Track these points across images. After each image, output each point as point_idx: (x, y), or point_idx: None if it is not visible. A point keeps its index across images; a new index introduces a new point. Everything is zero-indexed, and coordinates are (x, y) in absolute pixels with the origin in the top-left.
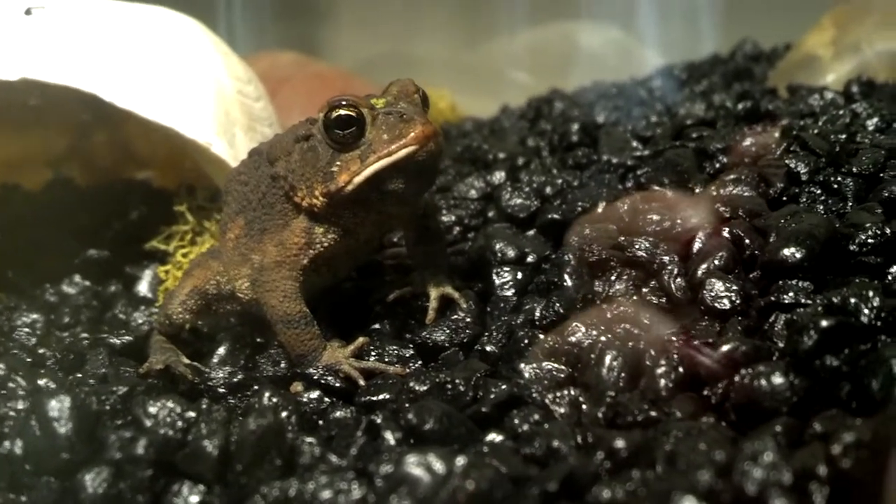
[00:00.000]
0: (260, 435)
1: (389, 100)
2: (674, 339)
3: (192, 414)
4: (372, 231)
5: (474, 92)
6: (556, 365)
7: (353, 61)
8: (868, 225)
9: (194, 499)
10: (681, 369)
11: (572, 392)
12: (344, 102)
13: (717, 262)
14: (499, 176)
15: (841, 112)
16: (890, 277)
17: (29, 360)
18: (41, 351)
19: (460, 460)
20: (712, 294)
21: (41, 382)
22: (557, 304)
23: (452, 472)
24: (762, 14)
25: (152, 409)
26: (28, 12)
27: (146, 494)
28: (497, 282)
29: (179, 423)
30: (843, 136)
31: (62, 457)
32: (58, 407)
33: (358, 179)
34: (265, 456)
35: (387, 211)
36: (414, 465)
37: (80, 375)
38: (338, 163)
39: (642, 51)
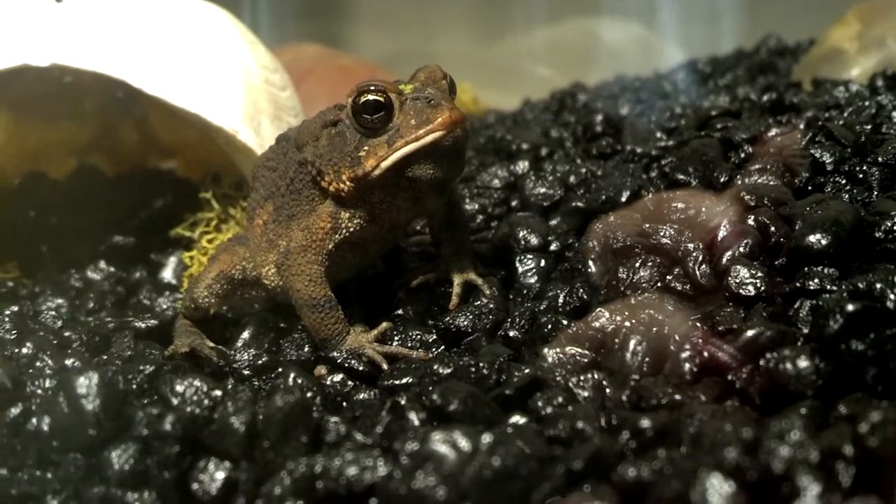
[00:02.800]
0: (287, 412)
1: (417, 86)
2: (697, 326)
3: (218, 392)
4: (398, 217)
5: (495, 87)
6: (579, 349)
7: (373, 57)
8: (894, 213)
9: (220, 475)
10: (705, 354)
11: (596, 376)
12: (372, 87)
13: (742, 248)
14: (522, 165)
15: (866, 104)
16: None
17: (55, 342)
18: (67, 334)
19: (486, 438)
20: (737, 280)
21: (68, 362)
22: (581, 291)
23: (478, 450)
24: (784, 10)
25: (179, 388)
26: (58, 0)
27: (172, 471)
28: (520, 269)
29: (206, 402)
30: (869, 127)
31: (89, 433)
32: (86, 384)
33: (385, 164)
34: (292, 433)
35: (413, 196)
36: (440, 443)
37: (105, 357)
38: (365, 148)
39: (663, 47)
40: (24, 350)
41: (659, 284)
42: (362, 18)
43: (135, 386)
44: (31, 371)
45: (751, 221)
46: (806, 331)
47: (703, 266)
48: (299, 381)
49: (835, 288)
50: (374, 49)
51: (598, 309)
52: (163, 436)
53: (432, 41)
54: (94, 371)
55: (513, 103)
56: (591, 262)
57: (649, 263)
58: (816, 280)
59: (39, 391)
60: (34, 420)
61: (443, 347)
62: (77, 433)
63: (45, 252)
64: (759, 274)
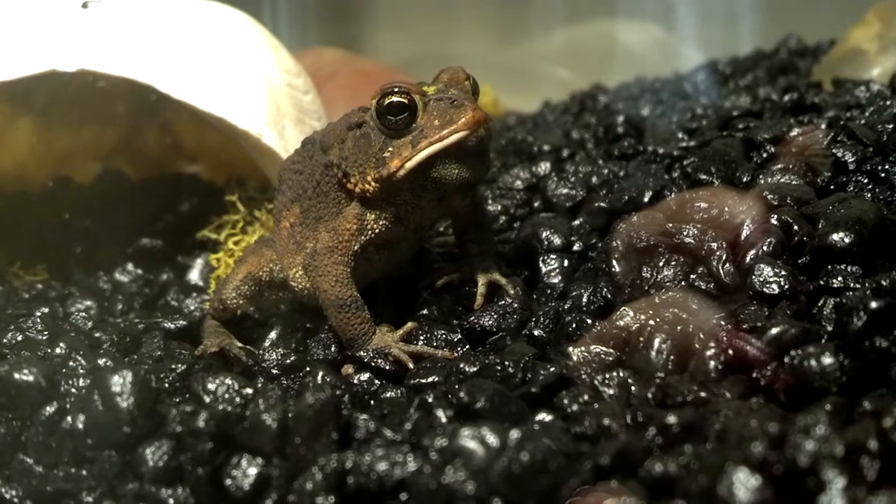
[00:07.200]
0: (317, 409)
1: (440, 87)
2: (722, 324)
3: (249, 391)
4: (423, 218)
5: (514, 89)
6: (604, 348)
7: (392, 60)
8: None
9: (253, 471)
10: (730, 351)
11: (621, 374)
12: (396, 89)
13: (765, 247)
14: (544, 167)
15: (888, 103)
16: None
17: (87, 342)
18: (97, 334)
19: (514, 434)
20: (761, 279)
21: (101, 361)
22: (605, 290)
23: (507, 445)
24: (803, 11)
25: (211, 386)
26: (85, 6)
27: (206, 467)
28: (544, 269)
29: (238, 399)
30: (891, 127)
31: (124, 431)
32: (120, 382)
33: (410, 164)
34: (322, 429)
35: (438, 197)
36: (468, 438)
37: (136, 357)
38: (390, 149)
39: (682, 48)
40: (58, 350)
41: (683, 283)
42: (381, 22)
43: (167, 384)
44: (64, 370)
45: (774, 220)
46: (830, 328)
47: (727, 265)
48: (328, 380)
49: (858, 286)
50: (393, 52)
51: (623, 308)
52: (196, 433)
53: (451, 44)
54: (128, 370)
55: (532, 105)
56: (615, 262)
57: (673, 262)
58: (840, 278)
59: (74, 390)
60: (69, 418)
61: (468, 347)
62: (111, 431)
63: (73, 255)
64: (783, 272)
